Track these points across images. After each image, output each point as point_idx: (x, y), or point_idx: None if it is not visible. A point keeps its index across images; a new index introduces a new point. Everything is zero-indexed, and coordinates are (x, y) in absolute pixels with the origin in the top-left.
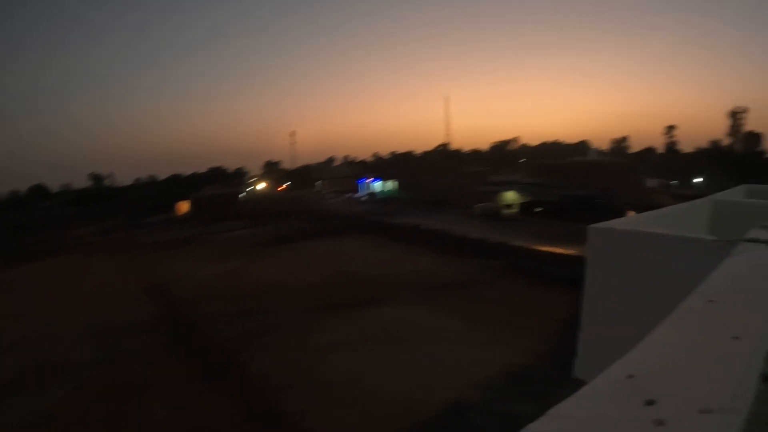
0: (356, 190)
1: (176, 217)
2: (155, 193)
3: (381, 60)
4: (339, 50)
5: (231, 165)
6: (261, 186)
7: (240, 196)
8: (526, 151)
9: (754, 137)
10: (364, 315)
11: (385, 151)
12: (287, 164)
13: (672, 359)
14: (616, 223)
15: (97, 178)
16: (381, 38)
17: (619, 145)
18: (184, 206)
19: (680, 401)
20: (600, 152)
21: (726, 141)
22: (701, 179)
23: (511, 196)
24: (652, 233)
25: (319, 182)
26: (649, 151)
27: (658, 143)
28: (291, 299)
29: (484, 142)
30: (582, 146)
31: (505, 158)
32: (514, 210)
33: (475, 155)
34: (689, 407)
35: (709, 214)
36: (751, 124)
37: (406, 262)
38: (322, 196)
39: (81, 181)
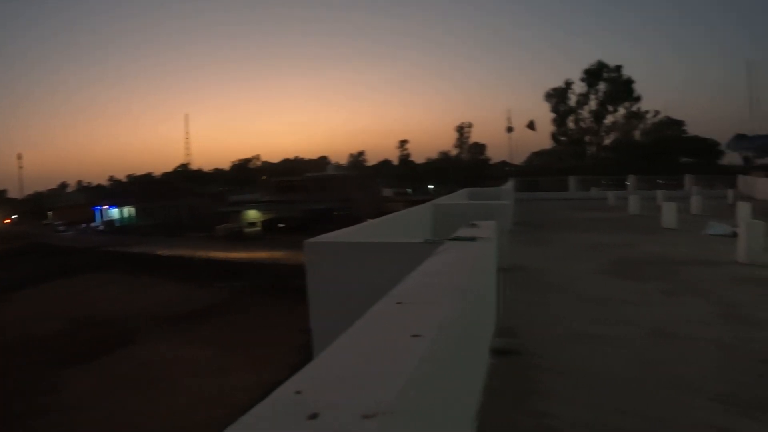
0: (92, 219)
1: None
2: None
3: (116, 76)
4: (69, 66)
5: None
6: None
7: None
8: (268, 168)
9: (479, 147)
10: (116, 359)
11: (122, 173)
12: (14, 193)
13: (346, 368)
14: (331, 236)
15: None
16: (115, 53)
17: (357, 159)
18: None
19: (344, 410)
20: (338, 167)
21: (454, 152)
22: (433, 186)
23: (253, 214)
24: (361, 242)
25: (51, 212)
26: (384, 164)
27: (393, 156)
28: (33, 354)
29: (225, 161)
30: (322, 161)
31: (247, 177)
32: (257, 228)
33: (217, 175)
34: (352, 414)
35: (432, 216)
36: (475, 136)
37: (152, 294)
38: (54, 228)
39: None
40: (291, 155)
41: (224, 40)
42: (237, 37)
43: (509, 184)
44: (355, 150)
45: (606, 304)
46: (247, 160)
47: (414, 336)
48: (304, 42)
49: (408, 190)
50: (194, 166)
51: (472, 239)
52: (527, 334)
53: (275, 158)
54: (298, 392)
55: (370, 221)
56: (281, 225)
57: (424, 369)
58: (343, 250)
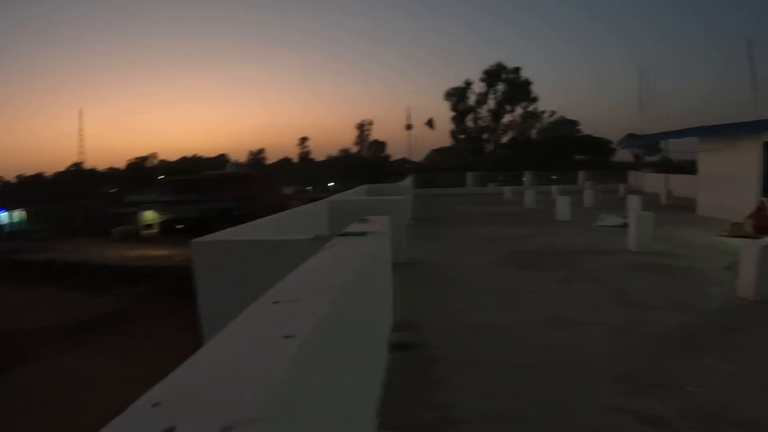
0: None
1: None
2: None
3: (1, 70)
4: None
5: None
6: None
7: None
8: (165, 167)
9: (379, 145)
10: (14, 376)
11: (11, 174)
12: None
13: (211, 375)
14: (219, 235)
15: None
16: None
17: (257, 156)
18: None
19: (202, 422)
20: (238, 164)
21: (355, 149)
22: (333, 183)
23: (150, 215)
24: (249, 240)
25: None
26: (285, 161)
27: (294, 153)
28: None
29: (120, 160)
30: (221, 159)
31: (144, 176)
32: (154, 230)
33: (112, 174)
34: (210, 427)
35: (329, 213)
36: (375, 133)
37: (48, 303)
38: None
39: None
40: (189, 153)
41: (118, 34)
42: (132, 33)
43: (408, 181)
44: (255, 148)
45: (504, 295)
46: (144, 159)
47: (286, 337)
48: (200, 39)
49: (308, 187)
50: (88, 166)
51: (362, 234)
52: (426, 327)
53: (173, 156)
54: (156, 404)
55: (264, 219)
56: (180, 226)
57: (297, 372)
58: (230, 249)
